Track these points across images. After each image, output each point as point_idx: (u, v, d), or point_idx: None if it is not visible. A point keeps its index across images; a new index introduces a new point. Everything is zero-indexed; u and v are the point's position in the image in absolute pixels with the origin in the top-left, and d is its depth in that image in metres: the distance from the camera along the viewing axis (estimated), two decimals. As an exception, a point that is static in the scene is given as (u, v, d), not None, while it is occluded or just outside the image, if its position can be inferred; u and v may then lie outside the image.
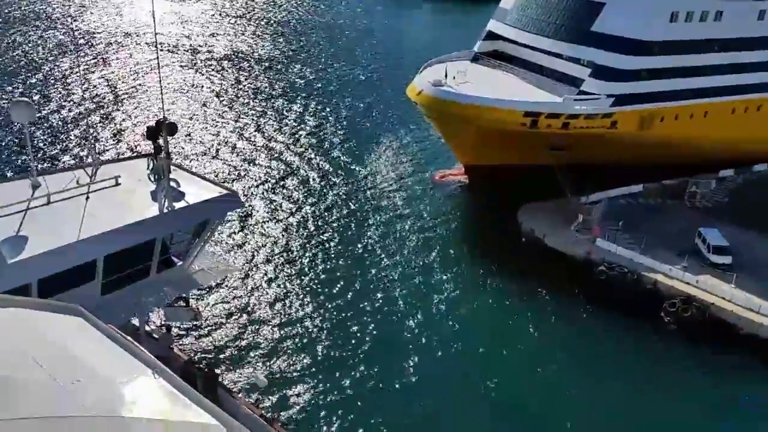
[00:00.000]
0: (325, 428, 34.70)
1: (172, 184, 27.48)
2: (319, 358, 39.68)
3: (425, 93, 57.13)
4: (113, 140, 68.70)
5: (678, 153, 59.27)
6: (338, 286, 46.97)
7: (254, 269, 48.44)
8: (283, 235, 53.15)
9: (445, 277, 48.54)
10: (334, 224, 55.27)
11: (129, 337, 14.26)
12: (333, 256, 50.76)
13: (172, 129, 27.58)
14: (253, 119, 75.92)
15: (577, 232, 51.48)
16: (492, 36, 67.52)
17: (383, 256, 51.00)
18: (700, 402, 37.92)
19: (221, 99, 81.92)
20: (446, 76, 58.46)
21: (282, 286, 46.69)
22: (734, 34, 59.73)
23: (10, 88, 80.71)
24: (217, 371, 35.48)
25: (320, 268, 49.18)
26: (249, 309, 43.83)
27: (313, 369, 38.65)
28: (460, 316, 44.56)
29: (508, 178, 56.12)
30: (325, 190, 60.69)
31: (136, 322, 31.04)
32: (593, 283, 47.03)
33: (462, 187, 62.26)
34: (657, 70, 57.40)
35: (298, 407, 35.89)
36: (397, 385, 37.84)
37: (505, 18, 66.74)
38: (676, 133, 59.87)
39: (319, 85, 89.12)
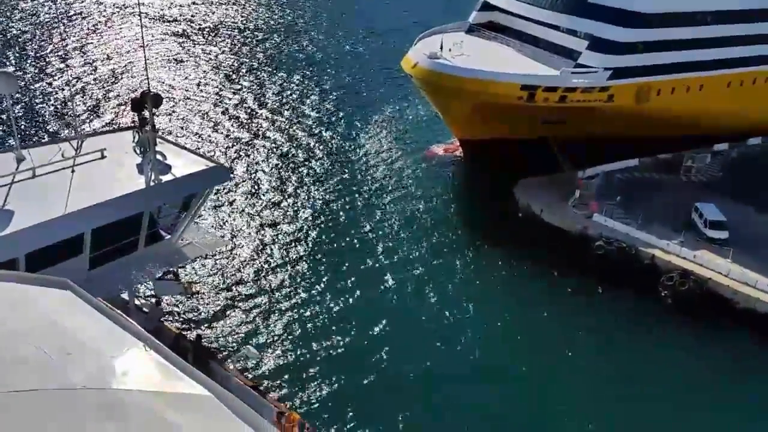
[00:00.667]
0: (315, 399, 34.68)
1: (159, 157, 27.17)
2: (310, 329, 39.62)
3: (421, 65, 55.98)
4: (97, 113, 67.02)
5: (674, 126, 58.85)
6: (328, 258, 46.68)
7: (243, 243, 48.00)
8: (271, 210, 52.46)
9: (439, 254, 48.09)
10: (324, 198, 54.58)
11: (118, 311, 14.10)
12: (323, 229, 50.26)
13: (157, 101, 27.17)
14: (240, 92, 74.30)
15: (574, 208, 51.15)
16: (487, 7, 66.11)
17: (375, 230, 50.51)
18: (696, 373, 38.09)
19: (207, 72, 79.93)
20: (442, 48, 57.22)
21: (271, 259, 46.29)
22: (730, 6, 58.93)
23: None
24: (208, 344, 35.57)
25: (310, 241, 48.76)
26: (239, 282, 43.60)
27: (305, 340, 38.63)
28: (455, 292, 44.29)
29: (504, 153, 55.50)
30: (314, 165, 59.81)
31: (125, 296, 30.84)
32: (591, 259, 46.94)
33: (457, 162, 61.50)
34: (654, 43, 56.59)
35: (289, 378, 35.94)
36: (388, 353, 37.95)
37: (501, -12, 65.34)
38: (672, 106, 59.40)
39: (307, 57, 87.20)
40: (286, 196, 54.50)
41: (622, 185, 54.90)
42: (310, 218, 51.60)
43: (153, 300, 35.19)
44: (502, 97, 53.85)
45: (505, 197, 53.45)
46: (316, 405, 34.38)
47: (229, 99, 72.21)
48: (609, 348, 40.06)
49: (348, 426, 33.38)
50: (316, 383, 35.58)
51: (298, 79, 78.74)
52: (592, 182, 53.21)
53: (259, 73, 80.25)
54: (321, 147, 62.98)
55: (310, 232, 49.83)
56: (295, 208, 52.88)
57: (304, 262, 46.17)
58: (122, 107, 66.75)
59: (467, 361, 38.30)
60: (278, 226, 50.31)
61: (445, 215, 53.83)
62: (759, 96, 64.46)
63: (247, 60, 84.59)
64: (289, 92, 75.18)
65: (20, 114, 64.60)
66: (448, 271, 46.38)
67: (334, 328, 39.89)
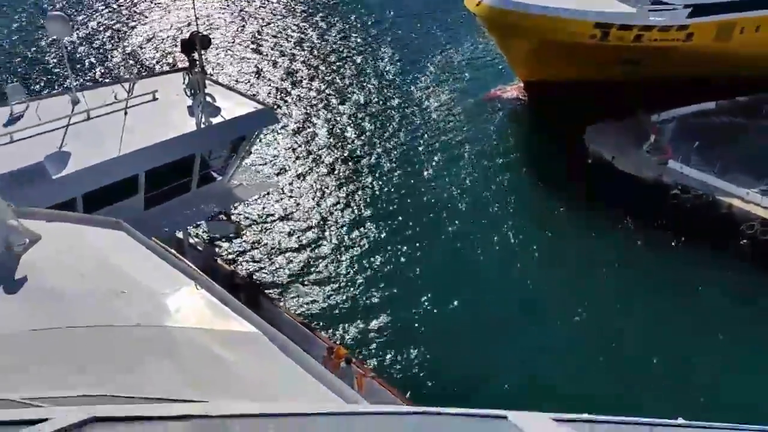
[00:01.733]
0: (363, 336, 34.77)
1: (208, 99, 27.15)
2: (361, 271, 39.46)
3: (486, 2, 53.22)
4: (149, 54, 66.36)
5: (757, 67, 55.25)
6: (380, 200, 46.04)
7: (294, 184, 47.65)
8: (323, 153, 51.53)
9: (502, 202, 46.80)
10: (380, 140, 53.37)
11: (172, 250, 14.22)
12: (378, 172, 49.27)
13: (206, 42, 27.23)
14: (291, 35, 72.43)
15: (648, 154, 48.94)
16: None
17: (431, 175, 49.31)
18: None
19: (258, 13, 77.99)
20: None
21: (322, 201, 45.89)
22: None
23: (45, 4, 77.57)
24: (260, 282, 36.20)
25: (362, 183, 48.02)
26: (290, 223, 43.53)
27: (355, 281, 38.57)
28: (519, 241, 43.14)
29: (572, 97, 53.06)
30: (370, 107, 58.35)
31: (180, 235, 31.54)
32: (666, 207, 45.16)
33: (521, 105, 59.23)
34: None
35: (339, 315, 36.13)
36: (440, 296, 37.37)
37: None
38: (755, 45, 55.60)
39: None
40: (338, 139, 53.48)
41: (699, 130, 52.03)
42: (363, 161, 50.70)
43: (206, 239, 36.12)
44: (573, 36, 51.10)
45: (574, 143, 51.31)
46: (365, 341, 34.56)
47: (280, 42, 70.57)
48: (684, 298, 38.64)
49: (394, 361, 33.41)
50: (365, 321, 35.61)
51: (355, 22, 76.22)
52: (668, 127, 50.69)
53: (312, 15, 77.87)
54: (377, 91, 61.28)
55: (362, 175, 48.98)
56: (347, 151, 51.90)
57: (355, 204, 45.60)
58: (174, 49, 65.86)
59: (528, 307, 37.39)
60: (328, 169, 49.60)
61: (508, 162, 52.09)
62: None
63: (300, 2, 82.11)
64: (343, 35, 72.98)
65: (74, 57, 64.35)
66: (511, 219, 45.13)
67: (387, 269, 39.59)
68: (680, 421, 5.68)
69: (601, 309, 37.86)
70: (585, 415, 5.51)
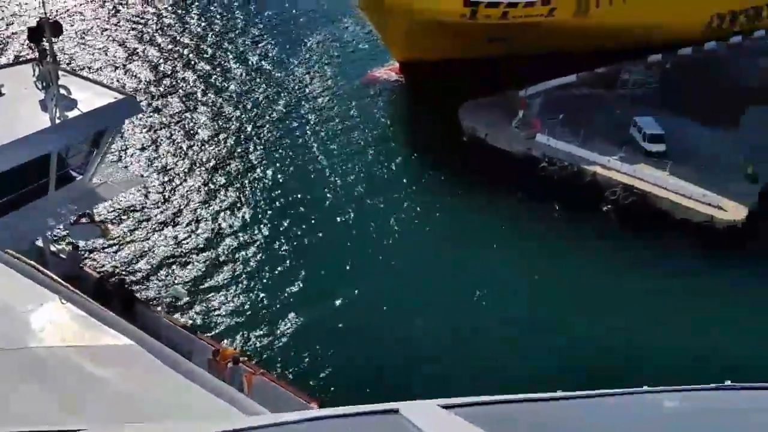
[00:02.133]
0: (249, 334, 34.11)
1: (63, 91, 25.46)
2: (245, 266, 38.54)
3: (357, -17, 52.94)
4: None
5: (613, 38, 58.85)
6: (259, 192, 45.11)
7: (166, 179, 45.58)
8: (193, 142, 49.84)
9: (382, 184, 47.14)
10: (253, 128, 52.12)
11: (32, 262, 13.06)
12: (251, 160, 48.26)
13: (57, 29, 25.10)
14: (159, 20, 68.68)
15: (517, 128, 51.03)
16: None
17: (311, 162, 48.91)
18: (636, 277, 39.40)
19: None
20: (378, -37, 54.14)
21: (200, 197, 44.37)
22: None
23: None
24: (133, 287, 34.46)
25: (237, 174, 46.78)
26: (160, 220, 41.72)
27: (240, 278, 37.62)
28: (400, 219, 43.72)
29: (447, 75, 54.18)
30: (250, 96, 56.88)
31: (40, 243, 29.56)
32: (535, 180, 47.29)
33: (397, 86, 59.78)
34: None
35: (220, 316, 35.16)
36: (327, 286, 37.20)
37: None
38: (610, 17, 59.03)
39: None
40: (216, 130, 51.65)
41: (564, 102, 54.89)
42: (246, 152, 49.40)
43: (70, 246, 33.81)
44: (444, 14, 52.04)
45: (450, 122, 52.66)
46: (253, 339, 33.95)
47: (142, 24, 66.68)
48: (554, 265, 40.59)
49: (287, 355, 32.99)
50: (252, 318, 34.84)
51: (222, 6, 73.22)
52: (535, 102, 53.01)
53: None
54: (250, 76, 59.72)
55: (245, 167, 47.67)
56: (227, 143, 50.34)
57: (231, 197, 44.29)
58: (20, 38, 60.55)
59: (414, 291, 37.73)
60: (206, 161, 47.89)
61: (387, 142, 52.51)
62: (689, 5, 64.57)
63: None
64: (210, 18, 70.11)
65: None
66: (392, 201, 45.48)
67: (271, 266, 38.62)
68: (553, 394, 5.82)
69: (486, 280, 38.87)
70: (470, 398, 5.63)
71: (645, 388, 5.96)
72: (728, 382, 6.04)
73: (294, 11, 72.18)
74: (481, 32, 54.00)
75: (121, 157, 45.96)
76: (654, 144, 48.81)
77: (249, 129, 52.36)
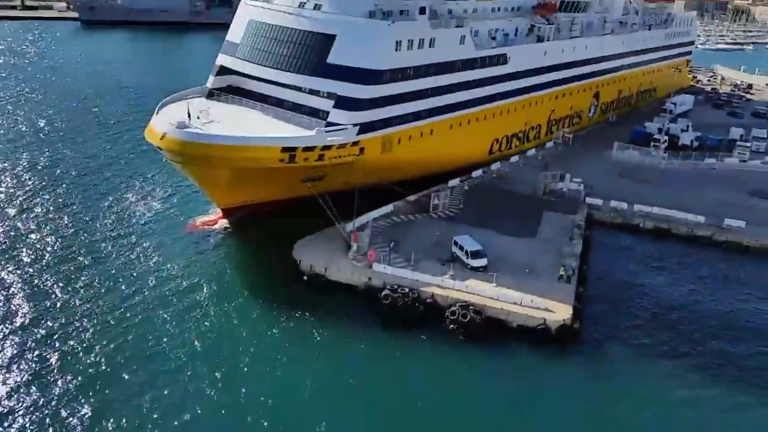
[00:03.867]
0: None
1: None
2: None
3: (171, 137, 51.79)
4: None
5: (416, 169, 64.46)
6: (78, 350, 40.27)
7: None
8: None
9: (222, 337, 44.39)
10: (61, 284, 47.78)
11: None
12: (62, 321, 43.93)
13: None
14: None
15: (353, 260, 52.11)
16: (225, 71, 64.77)
17: (138, 322, 45.19)
18: (487, 391, 41.29)
19: None
20: (189, 116, 53.99)
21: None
22: (445, 57, 66.68)
23: None
24: None
25: (46, 331, 42.14)
26: None
27: None
28: (244, 370, 41.41)
29: (273, 216, 54.17)
30: (54, 245, 51.57)
31: None
32: (380, 309, 47.91)
33: (224, 233, 58.09)
34: (389, 97, 61.24)
35: None
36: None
37: (236, 52, 64.60)
38: (411, 152, 64.89)
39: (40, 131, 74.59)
40: (23, 279, 46.55)
41: (389, 231, 57.90)
42: (43, 308, 44.50)
43: None
44: (264, 161, 52.76)
45: (285, 261, 52.04)
46: None
47: None
48: (408, 389, 40.84)
49: None
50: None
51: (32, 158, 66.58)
52: (365, 232, 54.98)
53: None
54: (65, 230, 54.52)
55: (47, 322, 43.06)
56: (29, 293, 45.16)
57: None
58: None
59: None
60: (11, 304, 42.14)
61: (220, 293, 49.34)
62: (471, 135, 74.03)
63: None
64: (26, 172, 63.03)
65: None
66: (234, 353, 42.71)
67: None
68: None
69: (326, 409, 37.56)
70: None
71: None
72: None
73: (104, 158, 67.78)
74: (301, 174, 55.68)
75: None
76: (476, 260, 52.86)
77: (46, 282, 46.33)
